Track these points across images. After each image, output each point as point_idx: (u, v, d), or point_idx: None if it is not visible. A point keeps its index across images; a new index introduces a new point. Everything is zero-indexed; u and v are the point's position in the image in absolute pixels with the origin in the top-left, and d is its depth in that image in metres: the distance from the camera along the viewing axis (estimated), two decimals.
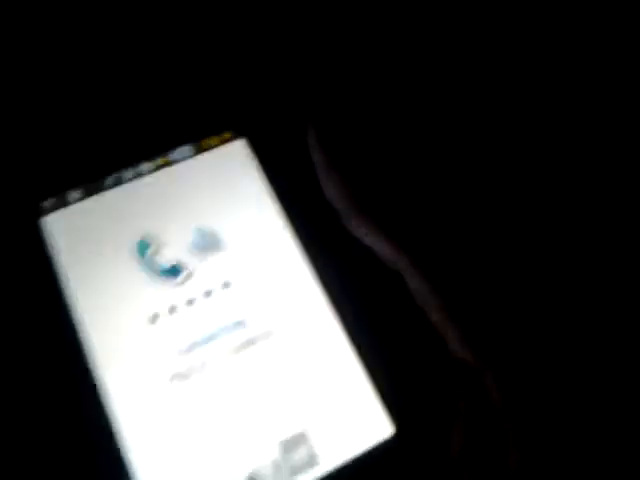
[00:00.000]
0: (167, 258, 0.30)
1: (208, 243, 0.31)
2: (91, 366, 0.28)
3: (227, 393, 0.27)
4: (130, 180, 0.33)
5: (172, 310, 0.29)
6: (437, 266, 0.28)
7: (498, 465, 0.25)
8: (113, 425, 0.27)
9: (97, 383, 0.27)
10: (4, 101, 0.34)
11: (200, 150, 0.34)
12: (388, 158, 0.31)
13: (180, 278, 0.30)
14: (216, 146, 0.34)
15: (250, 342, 0.28)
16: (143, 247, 0.31)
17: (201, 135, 0.34)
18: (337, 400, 0.27)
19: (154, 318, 0.29)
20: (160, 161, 0.33)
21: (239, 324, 0.29)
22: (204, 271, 0.30)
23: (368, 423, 0.27)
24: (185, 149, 0.34)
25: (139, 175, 0.33)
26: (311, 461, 0.26)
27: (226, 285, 0.30)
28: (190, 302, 0.29)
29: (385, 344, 0.28)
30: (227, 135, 0.34)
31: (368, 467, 0.26)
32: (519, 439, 0.25)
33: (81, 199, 0.32)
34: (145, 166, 0.33)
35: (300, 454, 0.26)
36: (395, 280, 0.28)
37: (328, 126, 0.32)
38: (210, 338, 0.28)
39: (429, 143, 0.32)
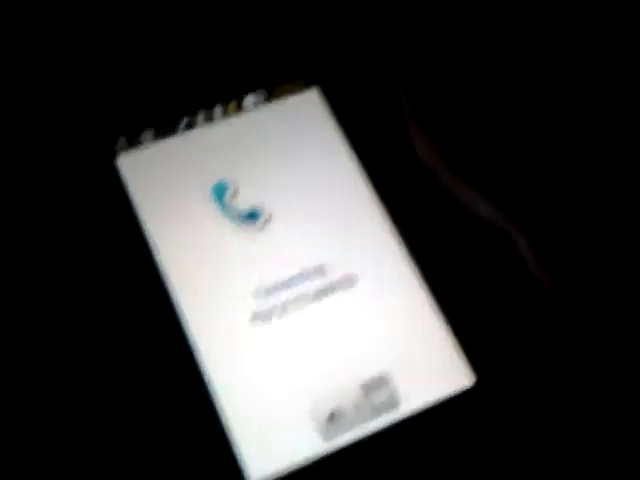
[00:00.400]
0: (245, 202, 0.31)
1: (283, 190, 0.31)
2: (174, 304, 0.29)
3: (308, 336, 0.28)
4: (202, 124, 0.33)
5: (251, 255, 0.30)
6: (532, 220, 0.28)
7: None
8: (196, 360, 0.27)
9: (179, 319, 0.28)
10: (81, 42, 0.34)
11: (273, 97, 0.34)
12: (481, 112, 0.31)
13: (259, 223, 0.30)
14: (289, 94, 0.34)
15: (331, 287, 0.29)
16: (220, 190, 0.31)
17: (273, 82, 0.34)
18: (418, 347, 0.28)
19: (232, 259, 0.30)
20: (232, 106, 0.34)
21: (319, 269, 0.29)
22: (283, 217, 0.31)
23: (449, 371, 0.27)
24: (257, 95, 0.34)
25: (211, 120, 0.33)
26: (392, 403, 0.27)
27: (305, 231, 0.30)
28: (268, 246, 0.30)
29: (468, 292, 0.29)
30: (300, 83, 0.34)
31: (449, 414, 0.27)
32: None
33: (154, 140, 0.33)
34: (217, 111, 0.33)
35: (381, 396, 0.27)
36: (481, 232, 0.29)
37: (418, 79, 0.32)
38: (290, 282, 0.29)
39: (528, 100, 0.31)
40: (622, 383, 0.26)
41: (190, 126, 0.33)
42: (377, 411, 0.27)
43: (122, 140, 0.32)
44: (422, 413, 0.27)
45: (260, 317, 0.28)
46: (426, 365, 0.28)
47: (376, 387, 0.27)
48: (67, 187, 0.31)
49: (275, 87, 0.34)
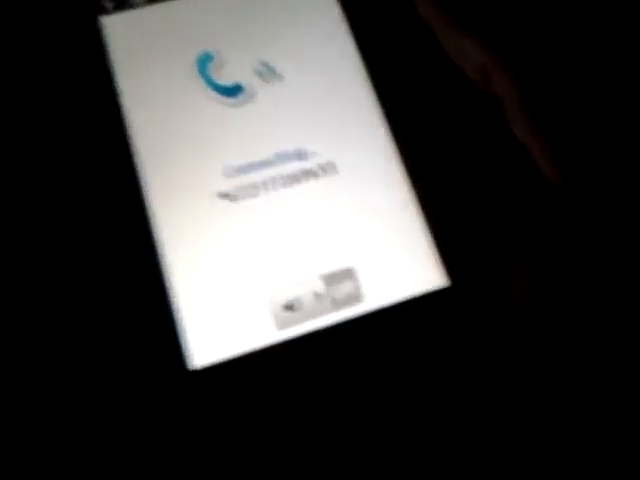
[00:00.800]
0: (228, 75, 0.29)
1: (271, 68, 0.29)
2: (138, 172, 0.27)
3: (276, 221, 0.26)
4: None
5: (227, 129, 0.28)
6: (522, 64, 0.25)
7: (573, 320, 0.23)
8: (153, 233, 0.26)
9: (142, 189, 0.26)
10: None
11: None
12: None
13: (240, 98, 0.28)
14: None
15: (306, 174, 0.27)
16: (204, 60, 0.29)
17: None
18: (391, 243, 0.26)
19: (208, 134, 0.28)
20: None
21: (297, 154, 0.27)
22: (265, 96, 0.28)
23: (422, 271, 0.25)
24: None
25: None
26: (355, 297, 0.25)
27: (286, 113, 0.28)
28: (247, 123, 0.28)
29: (452, 190, 0.26)
30: None
31: (416, 314, 0.25)
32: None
33: (144, 4, 0.30)
34: None
35: (344, 289, 0.25)
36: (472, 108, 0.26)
37: None
38: (264, 164, 0.27)
39: None
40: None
41: None
42: (338, 304, 0.25)
43: (109, 1, 0.30)
44: (386, 310, 0.25)
45: (227, 196, 0.26)
46: (397, 262, 0.26)
47: (340, 279, 0.25)
48: (47, 43, 0.30)
49: None
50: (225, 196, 0.26)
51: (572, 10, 0.28)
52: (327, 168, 0.27)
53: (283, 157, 0.27)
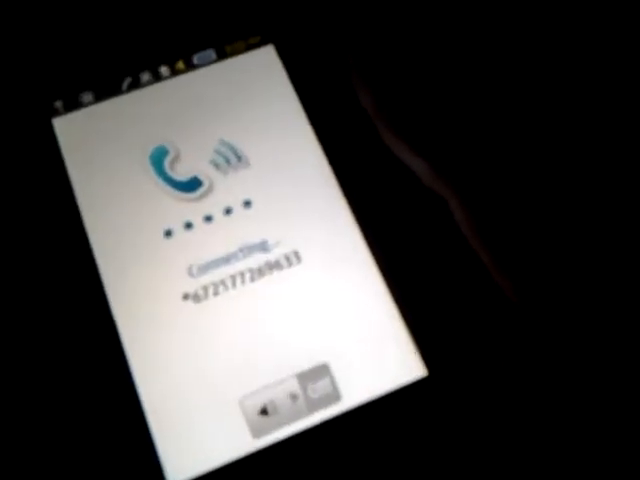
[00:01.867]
0: (185, 170, 0.28)
1: (230, 157, 0.28)
2: (100, 277, 0.26)
3: (243, 318, 0.25)
4: (147, 84, 0.30)
5: (188, 226, 0.27)
6: (476, 193, 0.25)
7: None
8: (119, 343, 0.25)
9: (105, 295, 0.25)
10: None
11: (224, 56, 0.31)
12: (423, 71, 0.27)
13: (198, 192, 0.27)
14: (241, 52, 0.31)
15: (271, 266, 0.26)
16: (159, 155, 0.28)
17: (225, 39, 0.31)
18: (365, 335, 0.25)
19: (168, 233, 0.27)
20: (180, 65, 0.30)
21: (260, 246, 0.26)
22: (225, 187, 0.28)
23: (398, 362, 0.24)
24: (207, 53, 0.31)
25: (157, 79, 0.30)
26: (333, 396, 0.24)
27: (248, 204, 0.27)
28: (208, 219, 0.27)
29: (421, 275, 0.25)
30: (254, 40, 0.31)
31: (395, 407, 0.24)
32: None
33: (95, 102, 0.30)
34: (164, 70, 0.30)
35: (321, 388, 0.24)
36: (433, 204, 0.26)
37: (366, 36, 0.29)
38: (228, 259, 0.26)
39: (471, 62, 0.28)
40: (572, 365, 0.23)
41: (134, 86, 0.30)
42: (315, 404, 0.24)
43: (60, 101, 0.30)
44: (365, 407, 0.24)
45: (191, 297, 0.25)
46: (373, 355, 0.24)
47: (315, 378, 0.24)
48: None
49: (226, 44, 0.31)
50: (190, 297, 0.25)
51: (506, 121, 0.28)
52: (291, 258, 0.26)
53: (246, 250, 0.26)
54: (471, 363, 0.24)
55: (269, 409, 0.24)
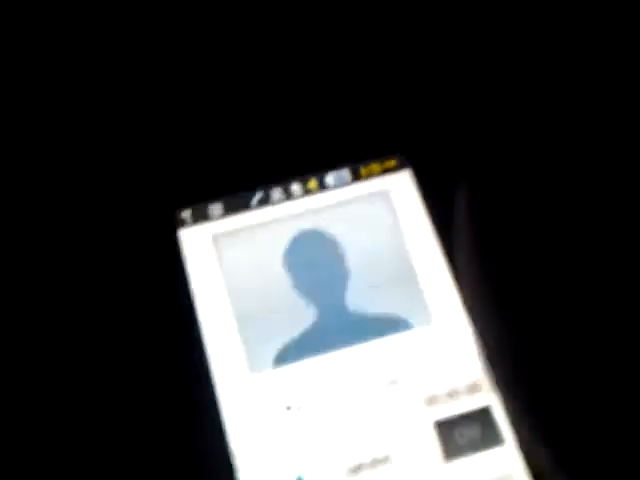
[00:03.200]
0: None
1: None
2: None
3: None
4: (279, 201, 0.29)
5: None
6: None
7: None
8: None
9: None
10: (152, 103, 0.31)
11: (358, 177, 0.30)
12: None
13: None
14: (377, 174, 0.30)
15: None
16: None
17: (360, 159, 0.30)
18: None
19: None
20: (312, 184, 0.30)
21: None
22: None
23: None
24: (342, 173, 0.30)
25: (289, 197, 0.29)
26: None
27: None
28: None
29: None
30: (391, 162, 0.30)
31: None
32: None
33: (223, 215, 0.29)
34: (295, 187, 0.30)
35: None
36: None
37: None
38: None
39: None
40: None
41: (265, 202, 0.29)
42: None
43: (186, 211, 0.29)
44: None
45: None
46: None
47: None
48: (124, 258, 0.28)
49: (362, 165, 0.30)
50: None
51: None
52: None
53: None
54: None
55: None
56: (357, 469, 0.25)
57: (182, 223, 0.29)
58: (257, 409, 0.26)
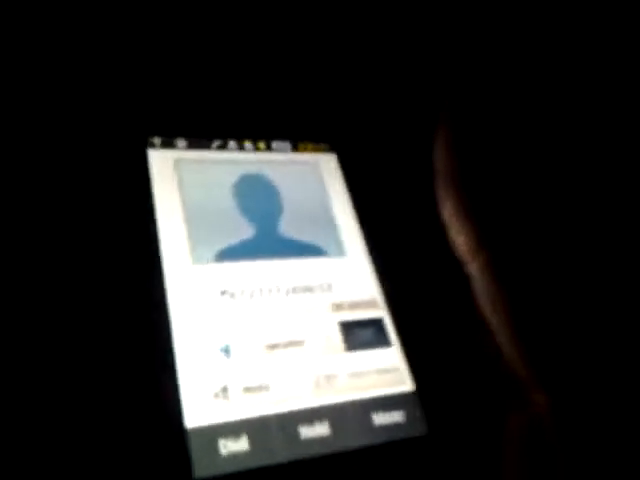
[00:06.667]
0: None
1: None
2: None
3: None
4: (233, 150, 0.36)
5: None
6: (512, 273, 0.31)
7: None
8: None
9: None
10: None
11: (296, 149, 0.38)
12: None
13: None
14: (310, 151, 0.38)
15: None
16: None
17: (299, 137, 0.38)
18: None
19: None
20: (262, 145, 0.37)
21: None
22: None
23: None
24: (284, 144, 0.38)
25: (241, 149, 0.37)
26: None
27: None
28: None
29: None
30: (322, 147, 0.39)
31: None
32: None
33: (186, 148, 0.35)
34: (247, 144, 0.37)
35: None
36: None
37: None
38: None
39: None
40: None
41: (222, 148, 0.36)
42: None
43: (158, 138, 0.35)
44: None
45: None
46: None
47: None
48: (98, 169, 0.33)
49: (300, 142, 0.38)
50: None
51: None
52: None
53: None
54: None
55: None
56: (274, 346, 0.31)
57: (152, 145, 0.35)
58: (196, 293, 0.31)
